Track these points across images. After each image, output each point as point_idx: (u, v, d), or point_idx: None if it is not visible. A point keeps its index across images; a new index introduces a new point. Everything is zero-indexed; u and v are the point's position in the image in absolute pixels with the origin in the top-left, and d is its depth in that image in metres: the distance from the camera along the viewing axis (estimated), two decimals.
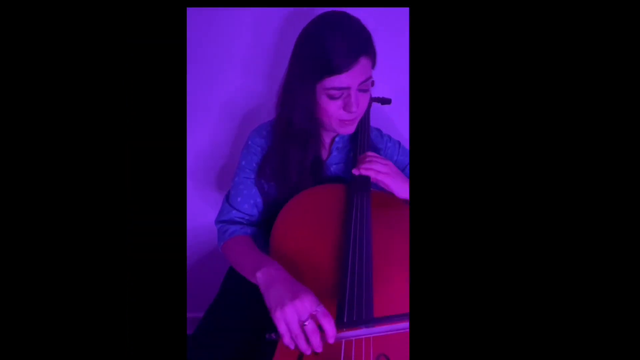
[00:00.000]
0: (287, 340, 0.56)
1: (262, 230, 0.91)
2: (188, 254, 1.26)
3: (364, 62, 0.74)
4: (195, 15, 1.01)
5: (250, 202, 0.87)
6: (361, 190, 0.78)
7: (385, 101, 1.02)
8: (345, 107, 0.76)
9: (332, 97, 0.75)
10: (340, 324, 0.58)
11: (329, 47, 0.72)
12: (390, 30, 1.08)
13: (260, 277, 0.65)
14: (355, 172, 0.77)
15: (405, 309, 0.65)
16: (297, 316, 0.56)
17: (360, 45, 0.74)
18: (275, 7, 1.03)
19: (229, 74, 1.11)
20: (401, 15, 1.05)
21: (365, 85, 0.76)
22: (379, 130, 0.97)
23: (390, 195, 0.82)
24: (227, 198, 0.90)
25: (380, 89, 1.04)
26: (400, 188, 0.77)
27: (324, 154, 0.91)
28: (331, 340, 0.56)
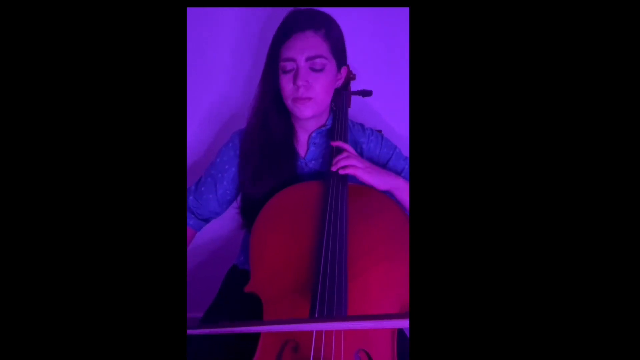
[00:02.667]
0: None
1: (245, 229, 0.94)
2: (188, 254, 1.27)
3: (309, 34, 0.79)
4: (195, 15, 1.02)
5: (208, 196, 0.91)
6: (338, 184, 0.79)
7: (366, 93, 1.02)
8: (294, 81, 0.80)
9: (284, 71, 0.81)
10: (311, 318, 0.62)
11: (284, 20, 0.81)
12: (390, 30, 1.08)
13: None
14: (333, 169, 0.80)
15: (381, 303, 0.67)
16: None
17: (310, 21, 0.79)
18: (275, 7, 1.04)
19: (229, 74, 1.11)
20: (401, 15, 1.05)
21: (317, 63, 0.79)
22: (361, 125, 0.98)
23: (367, 188, 0.82)
24: (197, 180, 0.94)
25: (379, 87, 1.04)
26: (379, 181, 0.80)
27: (302, 151, 0.92)
28: None
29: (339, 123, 0.89)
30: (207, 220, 0.95)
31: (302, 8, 0.83)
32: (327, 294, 0.62)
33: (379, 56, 1.12)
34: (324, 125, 0.91)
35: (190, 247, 1.27)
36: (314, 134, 0.90)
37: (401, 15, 1.05)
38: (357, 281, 0.67)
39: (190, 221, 0.92)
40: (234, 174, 0.90)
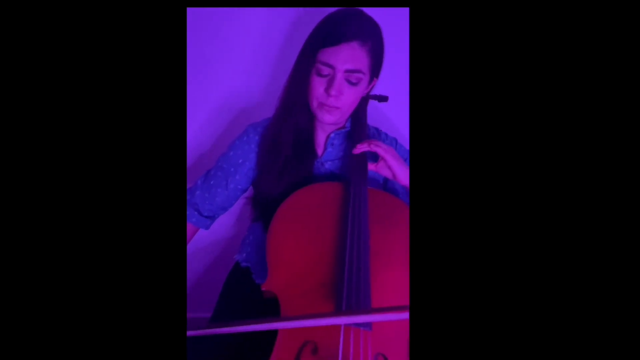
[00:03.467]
0: None
1: (256, 222, 0.92)
2: (193, 256, 1.27)
3: (355, 46, 0.76)
4: (195, 15, 1.01)
5: (217, 190, 0.89)
6: (359, 186, 0.79)
7: (382, 98, 1.02)
8: (327, 88, 0.78)
9: (319, 74, 0.79)
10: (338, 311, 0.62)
11: (331, 19, 0.78)
12: (390, 30, 1.08)
13: None
14: (356, 151, 0.80)
15: (400, 300, 0.67)
16: None
17: (359, 28, 0.76)
18: (275, 7, 1.04)
19: (228, 74, 1.11)
20: (401, 15, 1.05)
21: (353, 77, 0.78)
22: (376, 128, 0.98)
23: (386, 193, 0.83)
24: (205, 174, 0.91)
25: (379, 88, 1.04)
26: (402, 172, 0.80)
27: (319, 150, 0.91)
28: None
29: (358, 125, 0.89)
30: (211, 218, 0.92)
31: (350, 8, 0.81)
32: (353, 295, 0.62)
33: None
34: (343, 127, 0.91)
35: (194, 250, 1.27)
36: (332, 135, 0.90)
37: (401, 15, 1.05)
38: (378, 284, 0.67)
39: (193, 218, 0.89)
40: (248, 167, 0.89)
